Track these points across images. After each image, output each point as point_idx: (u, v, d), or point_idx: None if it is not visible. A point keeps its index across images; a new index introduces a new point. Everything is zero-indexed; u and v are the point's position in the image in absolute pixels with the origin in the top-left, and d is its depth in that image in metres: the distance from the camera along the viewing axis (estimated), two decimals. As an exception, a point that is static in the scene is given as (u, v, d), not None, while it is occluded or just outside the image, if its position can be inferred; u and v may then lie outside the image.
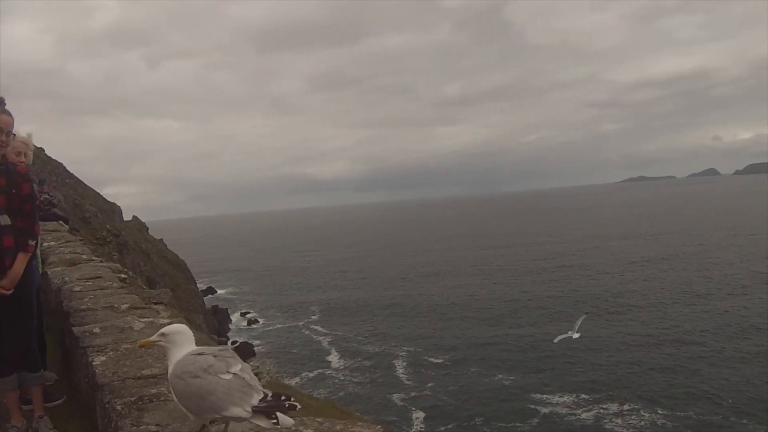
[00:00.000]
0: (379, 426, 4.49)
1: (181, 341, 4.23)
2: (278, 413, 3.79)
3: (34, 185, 7.24)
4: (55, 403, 7.43)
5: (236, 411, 3.80)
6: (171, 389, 4.07)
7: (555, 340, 43.48)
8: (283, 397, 3.86)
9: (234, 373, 3.95)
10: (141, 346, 4.63)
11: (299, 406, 3.85)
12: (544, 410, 37.48)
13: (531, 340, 51.42)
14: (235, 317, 74.24)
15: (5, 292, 6.17)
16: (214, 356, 4.04)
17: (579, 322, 42.84)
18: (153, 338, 4.29)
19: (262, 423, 3.81)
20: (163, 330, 4.29)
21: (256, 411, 3.79)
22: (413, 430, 36.33)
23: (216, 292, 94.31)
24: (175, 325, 4.39)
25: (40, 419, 6.56)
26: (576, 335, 42.25)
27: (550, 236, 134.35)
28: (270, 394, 3.88)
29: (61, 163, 70.98)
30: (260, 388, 3.94)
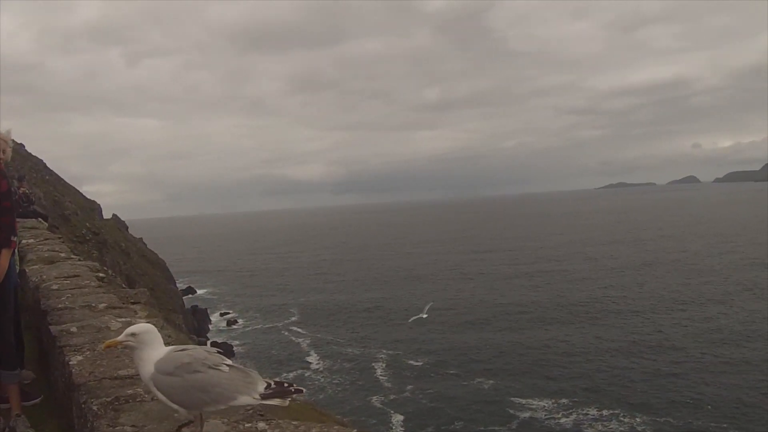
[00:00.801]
0: (356, 429, 4.50)
1: (151, 341, 4.17)
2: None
3: (13, 181, 7.19)
4: (33, 402, 7.33)
5: (244, 399, 3.95)
6: (154, 387, 4.02)
7: (410, 320, 43.48)
8: (285, 384, 4.02)
9: (229, 365, 4.06)
10: (106, 347, 4.41)
11: (305, 390, 4.02)
12: (524, 414, 37.58)
13: (511, 345, 51.43)
14: (214, 317, 74.10)
15: None
16: (206, 351, 4.12)
17: (427, 307, 42.46)
18: (120, 338, 4.18)
19: (275, 402, 3.97)
20: (133, 330, 4.18)
21: (265, 397, 3.94)
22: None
23: (196, 292, 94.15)
24: (144, 325, 4.30)
25: (17, 417, 6.50)
26: (425, 315, 45.37)
27: (531, 241, 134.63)
28: (273, 382, 4.03)
29: (42, 160, 70.63)
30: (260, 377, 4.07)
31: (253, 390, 3.98)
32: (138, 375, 5.29)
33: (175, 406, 3.97)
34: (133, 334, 4.15)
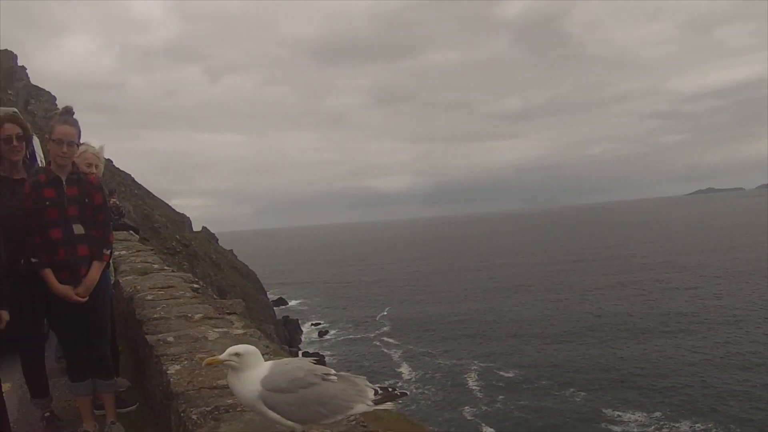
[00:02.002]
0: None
1: (254, 362, 4.10)
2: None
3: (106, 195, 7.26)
4: (128, 409, 7.53)
5: (360, 407, 4.00)
6: (264, 406, 3.96)
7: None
8: (390, 388, 4.17)
9: (337, 374, 4.10)
10: (207, 364, 4.34)
11: (408, 393, 4.12)
12: (615, 428, 36.88)
13: (602, 356, 50.60)
14: (305, 328, 74.39)
15: (80, 300, 6.24)
16: (310, 362, 4.16)
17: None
18: (222, 357, 4.11)
19: (387, 407, 4.12)
20: (237, 350, 4.11)
21: (376, 403, 4.02)
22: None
23: (287, 303, 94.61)
24: (248, 346, 4.24)
25: (112, 425, 6.63)
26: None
27: (620, 250, 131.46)
28: (379, 388, 4.14)
29: (129, 175, 72.00)
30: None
31: (365, 397, 3.99)
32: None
33: (290, 423, 3.93)
34: (237, 354, 4.09)
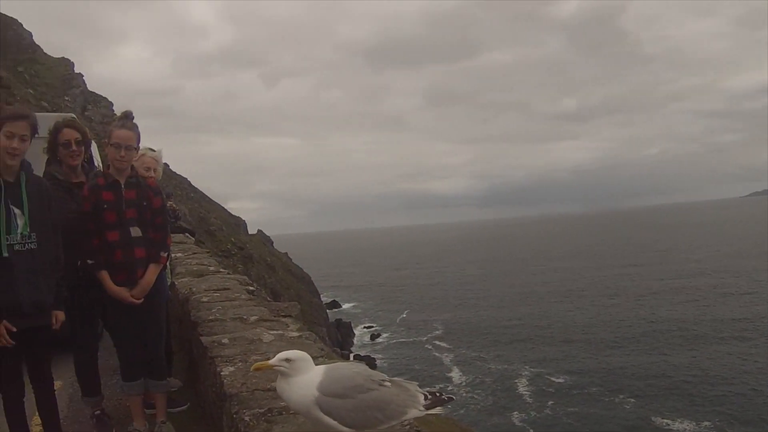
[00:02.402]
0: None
1: (306, 368, 4.09)
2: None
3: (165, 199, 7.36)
4: (179, 409, 7.68)
5: (413, 412, 4.04)
6: (320, 411, 3.97)
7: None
8: (437, 393, 4.21)
9: (389, 380, 4.14)
10: (256, 369, 4.43)
11: (454, 398, 4.34)
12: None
13: (654, 363, 49.96)
14: (358, 331, 74.48)
15: (135, 301, 6.35)
16: (362, 367, 4.23)
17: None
18: (273, 362, 4.11)
19: (436, 411, 4.15)
20: (288, 355, 4.10)
21: (427, 408, 4.06)
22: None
23: (341, 306, 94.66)
24: (299, 351, 4.21)
25: (163, 424, 6.75)
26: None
27: (676, 254, 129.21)
28: (427, 392, 4.18)
29: (186, 178, 72.62)
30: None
31: (417, 402, 4.04)
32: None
33: (346, 429, 3.94)
34: (287, 360, 4.08)
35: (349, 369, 4.18)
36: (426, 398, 4.10)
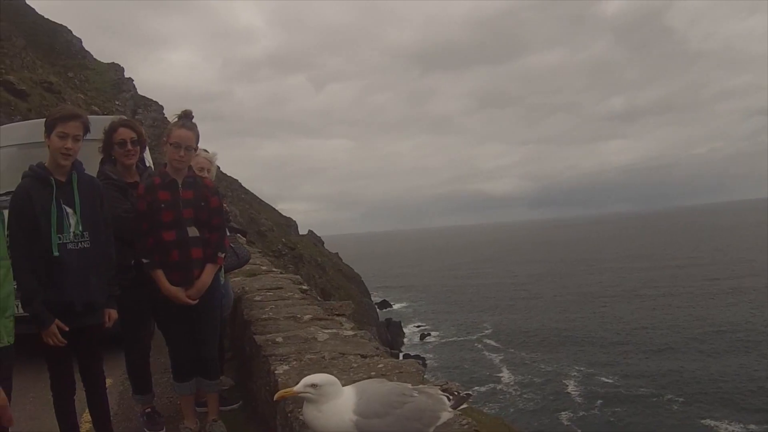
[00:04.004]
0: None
1: (335, 393, 3.86)
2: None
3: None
4: (230, 407, 7.72)
5: (445, 415, 3.98)
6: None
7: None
8: (456, 392, 4.20)
9: (415, 388, 4.10)
10: (279, 398, 4.28)
11: (473, 393, 4.17)
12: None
13: (704, 365, 49.37)
14: (408, 330, 74.44)
15: (191, 301, 6.39)
16: (386, 380, 4.37)
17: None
18: (297, 389, 3.88)
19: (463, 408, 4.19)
20: (314, 380, 3.86)
21: (454, 408, 4.05)
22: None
23: (391, 306, 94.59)
24: (326, 376, 3.98)
25: (214, 423, 6.77)
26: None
27: (728, 254, 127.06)
28: (448, 394, 4.14)
29: (236, 180, 73.22)
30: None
31: (444, 405, 4.02)
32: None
33: None
34: (313, 385, 3.84)
35: (380, 386, 4.09)
36: (449, 399, 4.06)
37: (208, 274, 6.43)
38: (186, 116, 6.53)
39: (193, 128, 6.51)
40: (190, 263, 6.34)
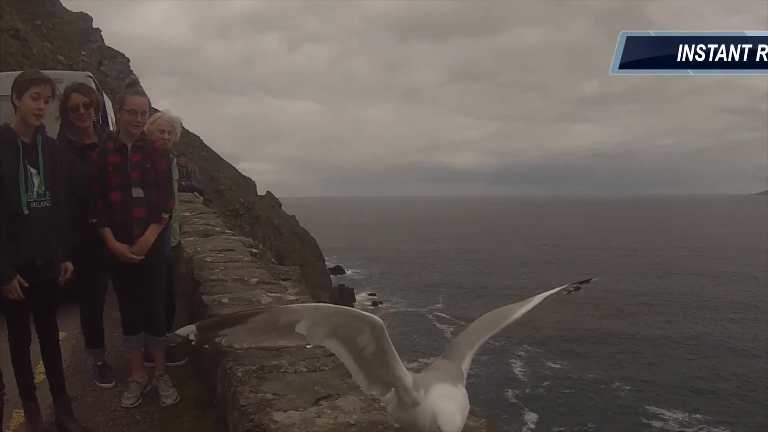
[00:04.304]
0: (484, 420, 4.53)
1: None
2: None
3: (172, 158, 7.61)
4: (177, 363, 7.93)
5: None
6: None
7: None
8: None
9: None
10: None
11: None
12: (656, 423, 36.86)
13: (653, 344, 50.62)
14: (360, 297, 74.20)
15: (135, 257, 6.63)
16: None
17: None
18: None
19: None
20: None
21: None
22: (525, 429, 36.15)
23: (344, 272, 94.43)
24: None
25: (161, 377, 7.03)
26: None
27: (690, 243, 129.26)
28: None
29: (198, 137, 72.74)
30: None
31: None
32: (284, 347, 5.54)
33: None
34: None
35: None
36: None
37: (151, 232, 6.66)
38: (135, 83, 6.91)
39: (144, 94, 6.75)
40: (132, 222, 6.59)
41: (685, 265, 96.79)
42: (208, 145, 76.07)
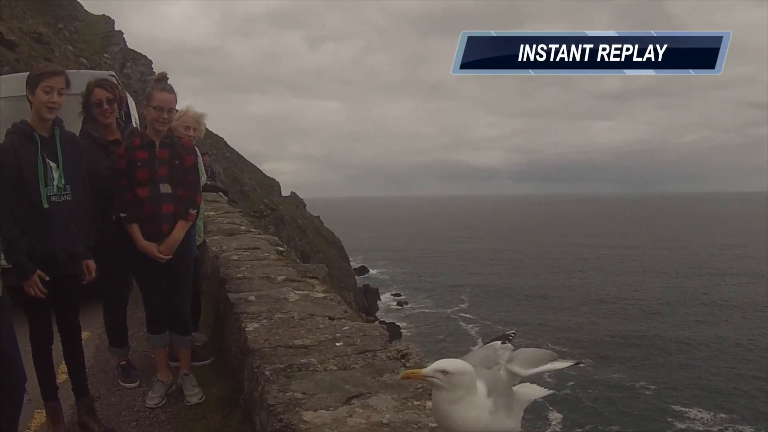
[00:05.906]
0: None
1: (470, 383, 3.29)
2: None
3: (200, 157, 7.51)
4: (202, 363, 7.80)
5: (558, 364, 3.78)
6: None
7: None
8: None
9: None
10: (404, 378, 3.78)
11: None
12: (681, 425, 36.70)
13: (678, 344, 50.33)
14: (385, 297, 74.54)
15: (163, 257, 6.55)
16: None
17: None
18: (427, 371, 3.30)
19: None
20: (445, 367, 3.26)
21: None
22: (549, 428, 35.98)
23: (369, 271, 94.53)
24: (460, 364, 3.36)
25: (185, 376, 6.93)
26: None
27: (714, 242, 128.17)
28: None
29: (222, 138, 73.04)
30: None
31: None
32: (312, 345, 5.40)
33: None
34: (444, 372, 3.26)
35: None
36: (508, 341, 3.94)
37: (179, 229, 6.60)
38: (163, 78, 6.73)
39: (173, 91, 6.67)
40: (161, 218, 6.51)
41: (711, 264, 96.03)
42: (231, 146, 76.40)
